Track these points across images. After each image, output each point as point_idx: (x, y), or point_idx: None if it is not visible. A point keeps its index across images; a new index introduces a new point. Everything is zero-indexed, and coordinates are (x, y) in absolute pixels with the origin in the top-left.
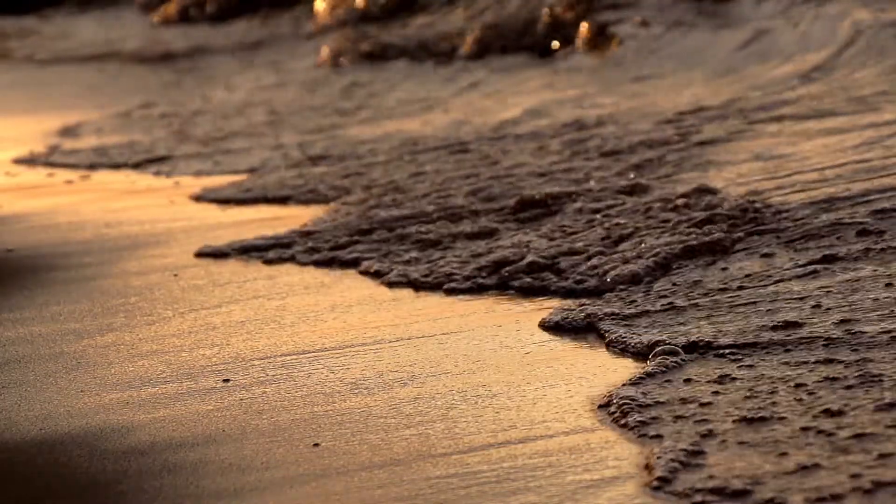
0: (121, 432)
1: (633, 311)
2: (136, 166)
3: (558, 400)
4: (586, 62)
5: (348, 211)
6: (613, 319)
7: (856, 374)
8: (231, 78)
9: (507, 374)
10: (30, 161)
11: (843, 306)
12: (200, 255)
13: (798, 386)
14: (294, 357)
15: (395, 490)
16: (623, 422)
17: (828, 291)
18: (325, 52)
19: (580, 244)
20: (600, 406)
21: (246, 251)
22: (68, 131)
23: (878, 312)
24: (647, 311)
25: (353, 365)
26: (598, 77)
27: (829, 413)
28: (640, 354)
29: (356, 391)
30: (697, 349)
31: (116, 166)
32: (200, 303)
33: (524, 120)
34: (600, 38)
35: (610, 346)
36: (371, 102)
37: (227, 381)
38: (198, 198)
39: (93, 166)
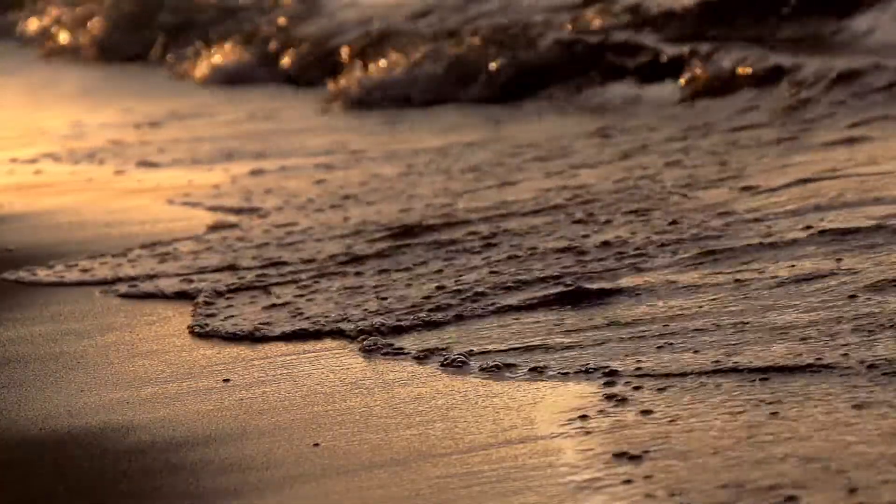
0: (121, 432)
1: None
2: (175, 164)
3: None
4: None
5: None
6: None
7: None
8: None
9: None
10: (86, 158)
11: None
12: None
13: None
14: (294, 357)
15: (395, 490)
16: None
17: None
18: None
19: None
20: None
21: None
22: (136, 126)
23: None
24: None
25: (353, 365)
26: None
27: None
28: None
29: (356, 391)
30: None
31: (148, 164)
32: None
33: None
34: None
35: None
36: None
37: (227, 380)
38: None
39: (139, 164)
